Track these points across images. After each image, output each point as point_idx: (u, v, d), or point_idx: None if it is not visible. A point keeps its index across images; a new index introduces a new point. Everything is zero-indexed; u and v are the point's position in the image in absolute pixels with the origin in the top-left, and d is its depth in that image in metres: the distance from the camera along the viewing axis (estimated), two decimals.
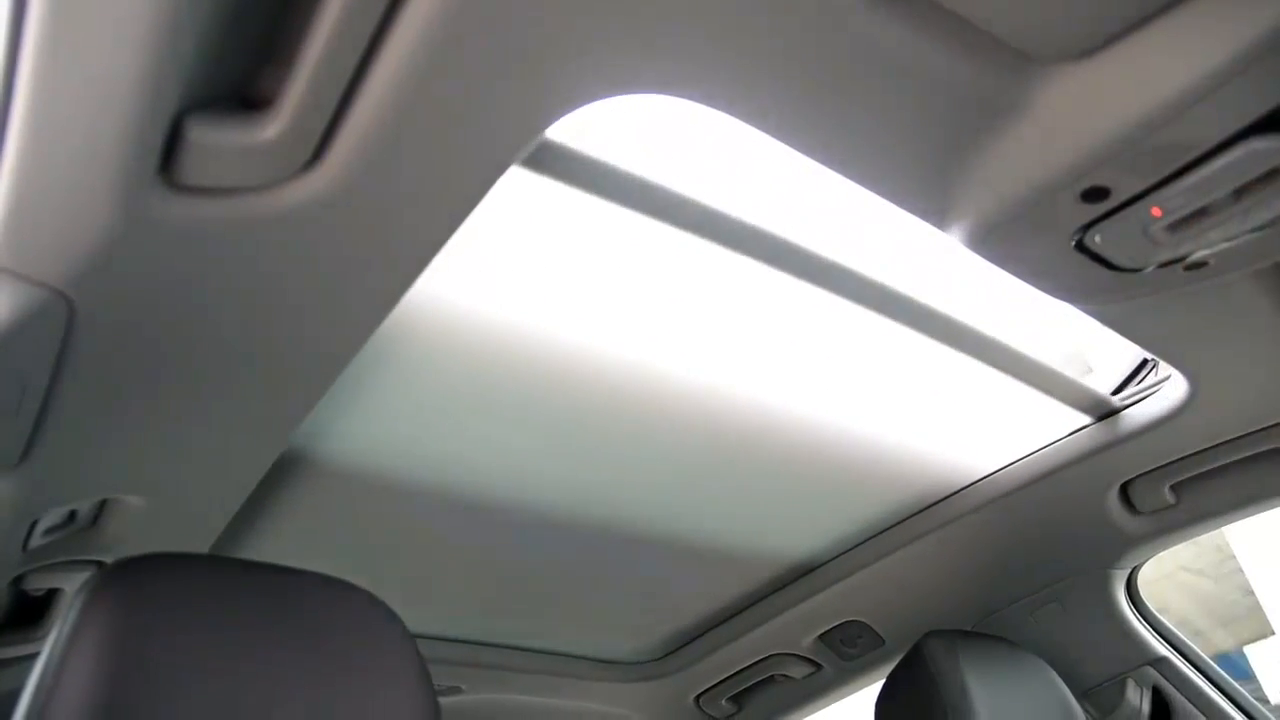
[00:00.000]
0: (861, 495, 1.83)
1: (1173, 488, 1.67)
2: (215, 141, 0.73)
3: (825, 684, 2.17)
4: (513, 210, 1.08)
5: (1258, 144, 0.83)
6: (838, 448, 1.63)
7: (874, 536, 1.92)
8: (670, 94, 0.82)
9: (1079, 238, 0.98)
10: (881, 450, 1.68)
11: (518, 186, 0.99)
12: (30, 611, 1.37)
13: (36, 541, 1.18)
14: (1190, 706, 1.83)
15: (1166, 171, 0.88)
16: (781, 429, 1.55)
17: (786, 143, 0.89)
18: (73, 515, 1.18)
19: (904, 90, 0.83)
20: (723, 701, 2.26)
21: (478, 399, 1.37)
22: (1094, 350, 1.84)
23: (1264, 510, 1.68)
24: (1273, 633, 9.47)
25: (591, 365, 1.33)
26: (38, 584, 1.30)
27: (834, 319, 1.36)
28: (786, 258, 1.20)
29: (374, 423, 1.37)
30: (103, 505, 1.20)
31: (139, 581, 0.86)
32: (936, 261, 1.31)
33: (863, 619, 2.01)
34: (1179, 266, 1.04)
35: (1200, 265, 1.03)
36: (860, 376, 1.55)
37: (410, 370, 1.29)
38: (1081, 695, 1.88)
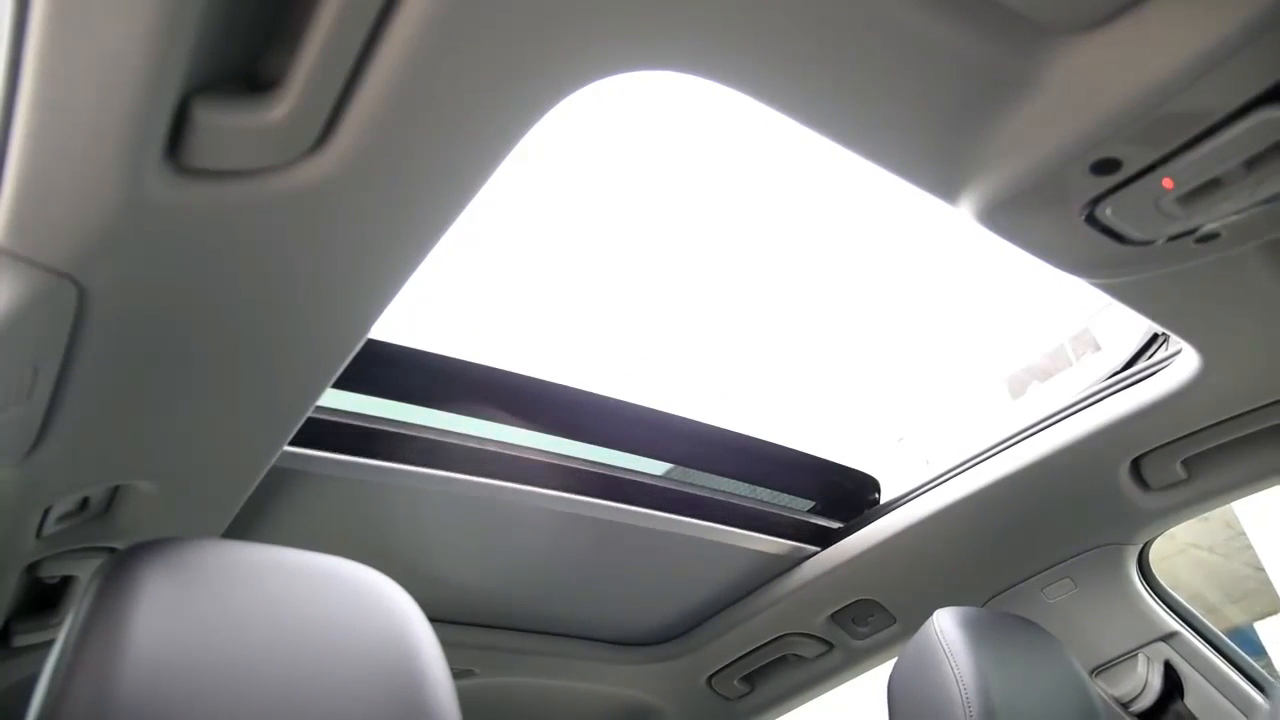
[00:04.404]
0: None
1: (1184, 463, 1.67)
2: (222, 123, 0.72)
3: (837, 663, 2.17)
4: None
5: (1269, 113, 0.83)
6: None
7: (884, 512, 1.93)
8: (680, 70, 0.82)
9: (1090, 211, 0.97)
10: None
11: None
12: (46, 599, 1.38)
13: (50, 529, 1.19)
14: (1203, 681, 1.82)
15: (1178, 142, 0.87)
16: None
17: (797, 119, 0.89)
18: (85, 502, 1.19)
19: (914, 64, 0.82)
20: (735, 682, 2.26)
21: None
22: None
23: (1275, 485, 1.68)
24: None
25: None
26: (53, 571, 1.31)
27: None
28: None
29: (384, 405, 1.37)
30: (115, 492, 1.20)
31: (152, 567, 0.86)
32: None
33: (874, 597, 2.02)
34: (1190, 239, 1.03)
35: (1212, 237, 1.02)
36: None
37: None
38: (1094, 671, 1.89)
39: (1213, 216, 0.98)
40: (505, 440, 1.60)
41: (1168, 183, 0.92)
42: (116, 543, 1.28)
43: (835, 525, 2.02)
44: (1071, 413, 1.68)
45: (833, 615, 2.07)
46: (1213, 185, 0.92)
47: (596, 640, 2.19)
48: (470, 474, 1.57)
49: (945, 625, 1.52)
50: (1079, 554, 1.88)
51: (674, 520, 1.83)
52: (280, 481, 1.39)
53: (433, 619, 1.00)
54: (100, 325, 0.89)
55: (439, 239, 0.94)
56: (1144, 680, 1.84)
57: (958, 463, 1.85)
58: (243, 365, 1.04)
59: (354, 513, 1.55)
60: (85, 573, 1.32)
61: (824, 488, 2.02)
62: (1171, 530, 1.88)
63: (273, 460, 1.23)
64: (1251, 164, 0.88)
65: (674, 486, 1.85)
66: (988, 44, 0.81)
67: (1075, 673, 1.61)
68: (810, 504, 2.03)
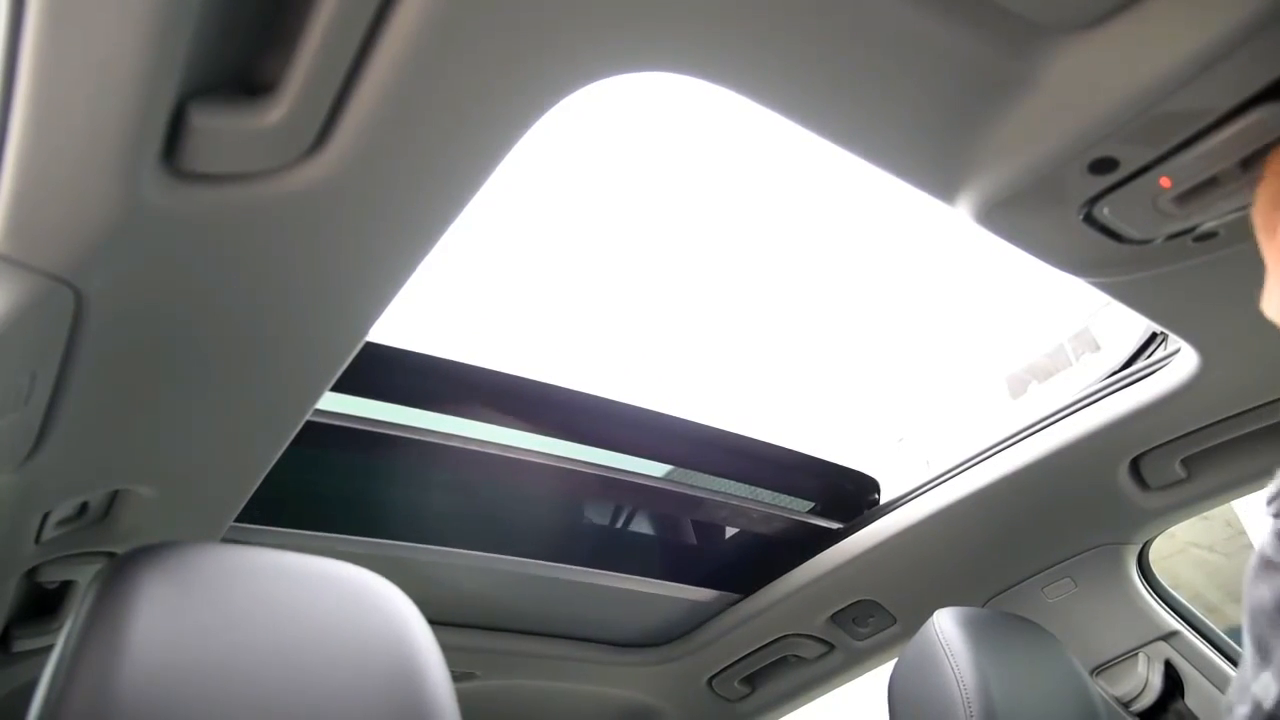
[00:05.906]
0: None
1: (1183, 462, 1.66)
2: (218, 127, 0.72)
3: (838, 664, 2.17)
4: None
5: (1266, 111, 0.83)
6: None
7: (884, 513, 1.93)
8: (677, 72, 0.82)
9: (1087, 210, 0.97)
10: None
11: None
12: (45, 604, 1.38)
13: (49, 534, 1.19)
14: (1204, 681, 1.82)
15: (1175, 141, 0.87)
16: None
17: (794, 120, 0.88)
18: (84, 507, 1.19)
19: (911, 64, 0.82)
20: (735, 683, 2.26)
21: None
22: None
23: None
24: None
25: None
26: (52, 576, 1.31)
27: None
28: None
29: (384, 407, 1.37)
30: (114, 496, 1.20)
31: (151, 571, 0.86)
32: None
33: (874, 598, 2.01)
34: (1188, 238, 1.03)
35: (1210, 236, 1.03)
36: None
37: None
38: (1094, 670, 1.89)
39: (1210, 215, 0.98)
40: (506, 443, 1.60)
41: (1165, 181, 0.92)
42: (115, 547, 1.28)
43: (835, 526, 2.02)
44: (1071, 412, 1.68)
45: (833, 616, 2.07)
46: (1210, 184, 0.92)
47: (598, 642, 2.19)
48: (470, 477, 1.57)
49: (945, 625, 1.52)
50: (1079, 554, 1.88)
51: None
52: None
53: (433, 622, 1.00)
54: (97, 330, 0.88)
55: (437, 241, 0.93)
56: (1144, 680, 1.84)
57: (958, 463, 1.85)
58: (241, 369, 1.04)
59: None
60: (84, 578, 1.32)
61: (824, 489, 2.02)
62: (1171, 529, 1.88)
63: (272, 464, 1.23)
64: (1248, 162, 0.88)
65: (674, 489, 1.85)
66: (984, 43, 0.81)
67: (1075, 672, 1.61)
68: (810, 505, 2.03)
